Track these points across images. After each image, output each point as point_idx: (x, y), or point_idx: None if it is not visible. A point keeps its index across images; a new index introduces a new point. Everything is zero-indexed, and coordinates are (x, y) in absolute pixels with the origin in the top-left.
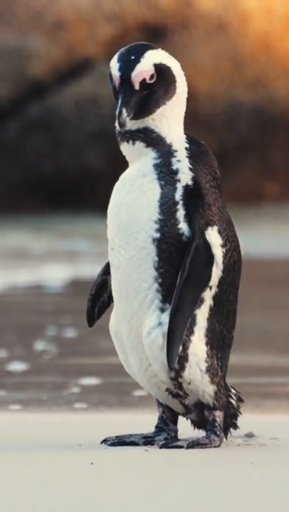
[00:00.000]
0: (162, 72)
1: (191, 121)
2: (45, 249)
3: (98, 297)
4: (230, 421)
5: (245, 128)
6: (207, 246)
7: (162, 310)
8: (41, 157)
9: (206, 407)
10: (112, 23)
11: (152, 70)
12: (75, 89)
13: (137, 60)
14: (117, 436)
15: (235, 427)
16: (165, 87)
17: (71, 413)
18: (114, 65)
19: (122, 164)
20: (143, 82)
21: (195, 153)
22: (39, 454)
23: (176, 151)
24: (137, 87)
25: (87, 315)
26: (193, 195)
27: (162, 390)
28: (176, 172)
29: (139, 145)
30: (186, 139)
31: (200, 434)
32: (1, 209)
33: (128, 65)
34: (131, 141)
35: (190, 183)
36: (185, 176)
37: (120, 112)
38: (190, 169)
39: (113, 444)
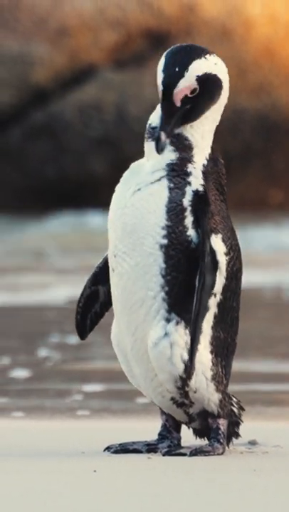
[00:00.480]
0: (206, 83)
1: None
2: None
3: (88, 309)
4: (233, 429)
5: (248, 134)
6: (212, 252)
7: (168, 320)
8: (44, 163)
9: (211, 415)
10: (116, 30)
11: (194, 85)
12: (79, 96)
13: (181, 75)
14: (120, 444)
15: (237, 435)
16: (209, 97)
17: (74, 420)
18: (159, 73)
19: (125, 170)
20: (185, 98)
21: (211, 167)
22: (42, 461)
23: (194, 161)
24: (178, 104)
25: (77, 328)
26: (202, 200)
27: (167, 399)
28: (188, 174)
29: (167, 148)
30: (210, 152)
31: (203, 441)
32: (5, 214)
33: (171, 80)
34: (168, 137)
35: (200, 189)
36: (196, 181)
37: (159, 137)
38: (202, 177)
39: (116, 452)
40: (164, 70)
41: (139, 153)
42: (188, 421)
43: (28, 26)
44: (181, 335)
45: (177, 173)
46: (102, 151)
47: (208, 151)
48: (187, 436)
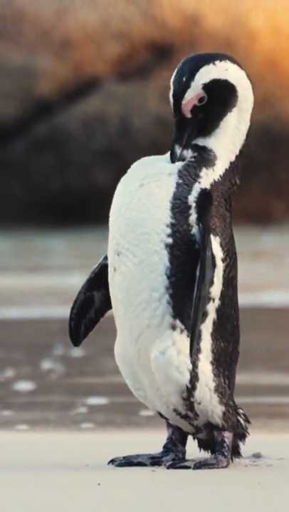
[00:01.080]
0: (214, 90)
1: None
2: (54, 266)
3: (83, 315)
4: (238, 441)
5: (252, 146)
6: (211, 249)
7: (173, 328)
8: (48, 175)
9: (215, 427)
10: (120, 42)
11: (202, 93)
12: (83, 108)
13: (187, 85)
14: (124, 457)
15: (239, 450)
16: (221, 103)
17: (78, 433)
18: (171, 85)
19: None
20: (194, 108)
21: (226, 178)
22: (46, 474)
23: (212, 168)
24: (188, 115)
25: (70, 334)
26: (206, 198)
27: (170, 410)
28: (199, 176)
29: (188, 153)
30: (232, 162)
31: (208, 455)
32: (9, 227)
33: (178, 92)
34: (184, 149)
35: (207, 187)
36: (205, 181)
37: (173, 151)
38: (212, 182)
39: (120, 465)
40: (173, 82)
41: None
42: (194, 432)
43: (32, 39)
44: (185, 342)
45: (189, 172)
46: (106, 163)
47: (232, 159)
48: (192, 449)
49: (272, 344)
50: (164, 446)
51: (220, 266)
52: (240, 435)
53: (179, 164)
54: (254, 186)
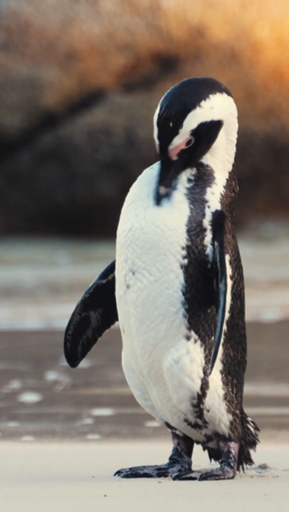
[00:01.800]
0: (201, 132)
1: None
2: (61, 279)
3: (79, 335)
4: (249, 448)
5: (257, 158)
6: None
7: (188, 338)
8: (54, 187)
9: (222, 437)
10: (125, 53)
11: (188, 138)
12: (88, 120)
13: (175, 132)
14: (130, 468)
15: (253, 452)
16: (207, 141)
17: (84, 444)
18: (155, 126)
19: None
20: (181, 151)
21: (227, 191)
22: (52, 485)
23: (215, 184)
24: (174, 158)
25: (66, 356)
26: (220, 216)
27: (181, 420)
28: (206, 201)
29: (187, 170)
30: (230, 173)
31: (214, 466)
32: (15, 239)
33: (165, 137)
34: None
35: (218, 208)
36: (214, 205)
37: (158, 191)
38: (220, 202)
39: (127, 476)
40: (158, 124)
41: None
42: (205, 441)
43: (37, 50)
44: (198, 352)
45: (197, 198)
46: (112, 175)
47: (229, 169)
48: (198, 460)
49: (278, 355)
50: (170, 458)
51: (229, 283)
52: (251, 442)
53: (185, 188)
54: (259, 197)
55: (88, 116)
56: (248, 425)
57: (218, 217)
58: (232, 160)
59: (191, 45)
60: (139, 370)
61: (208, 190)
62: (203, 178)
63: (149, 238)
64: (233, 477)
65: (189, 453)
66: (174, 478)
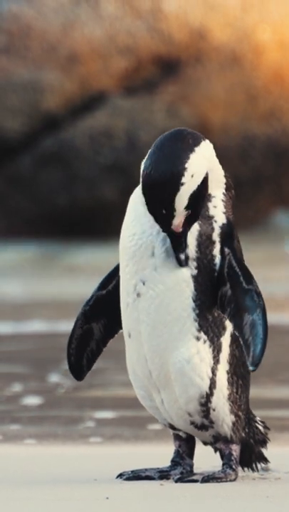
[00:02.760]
0: (194, 201)
1: None
2: (62, 281)
3: (83, 348)
4: (260, 447)
5: (259, 160)
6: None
7: (198, 338)
8: (55, 190)
9: (223, 439)
10: (126, 56)
11: (184, 212)
12: (89, 123)
13: (170, 216)
14: (132, 471)
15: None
16: (203, 199)
17: (86, 447)
18: (146, 204)
19: None
20: (183, 224)
21: (227, 199)
22: (54, 488)
23: (213, 197)
24: (180, 230)
25: (71, 370)
26: (228, 228)
27: (188, 422)
28: (212, 217)
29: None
30: (225, 184)
31: (215, 468)
32: (17, 242)
33: (165, 223)
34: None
35: (224, 221)
36: (220, 219)
37: (180, 261)
38: (223, 213)
39: (129, 479)
40: (151, 213)
41: None
42: (213, 441)
43: (39, 53)
44: (206, 352)
45: (202, 216)
46: (113, 178)
47: (223, 180)
48: (199, 462)
49: (280, 357)
50: (172, 460)
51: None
52: (261, 441)
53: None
54: (260, 200)
55: (90, 119)
56: (257, 424)
57: (226, 228)
58: (222, 172)
59: (193, 47)
60: (146, 374)
61: (210, 205)
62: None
63: (159, 249)
64: (235, 479)
65: (191, 455)
66: (176, 481)
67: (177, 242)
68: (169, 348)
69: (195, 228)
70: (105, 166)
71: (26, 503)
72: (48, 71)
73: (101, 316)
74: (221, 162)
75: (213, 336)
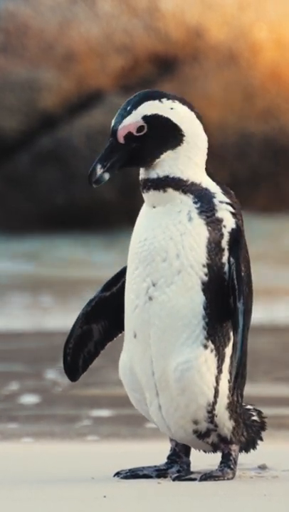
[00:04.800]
0: (154, 124)
1: None
2: (59, 281)
3: (80, 349)
4: (256, 437)
5: (256, 159)
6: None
7: (205, 346)
8: (53, 189)
9: (223, 439)
10: (123, 55)
11: (140, 122)
12: (86, 121)
13: (128, 113)
14: (130, 469)
15: (260, 439)
16: (161, 138)
17: (83, 445)
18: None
19: (134, 197)
20: (129, 136)
21: (231, 199)
22: (51, 487)
23: (214, 196)
24: (122, 141)
25: (66, 370)
26: (236, 234)
27: (189, 431)
28: (221, 220)
29: (171, 192)
30: (218, 184)
31: (212, 467)
32: (14, 241)
33: (118, 119)
34: (162, 189)
35: (234, 226)
36: (229, 223)
37: (93, 169)
38: (232, 214)
39: (126, 477)
40: (118, 112)
41: None
42: (213, 449)
43: (35, 52)
44: (213, 362)
45: (211, 220)
46: (111, 177)
47: (211, 181)
48: (196, 460)
49: (277, 355)
50: (168, 458)
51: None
52: (256, 432)
53: (196, 209)
54: (258, 199)
55: (87, 117)
56: (252, 417)
57: (234, 234)
58: (202, 172)
59: (189, 46)
60: (148, 373)
61: (215, 201)
62: (201, 193)
63: (170, 253)
64: (232, 478)
65: (187, 453)
66: (174, 479)
67: (109, 153)
68: (174, 352)
69: (204, 235)
70: None
71: (23, 502)
72: (44, 70)
73: (102, 317)
74: (218, 160)
75: (220, 345)
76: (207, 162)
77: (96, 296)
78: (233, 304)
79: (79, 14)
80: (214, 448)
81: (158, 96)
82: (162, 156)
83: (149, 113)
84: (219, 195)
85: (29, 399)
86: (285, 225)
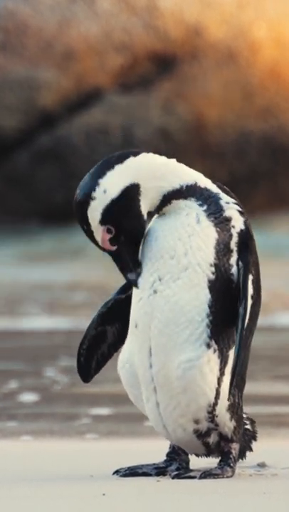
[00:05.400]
0: (111, 217)
1: (201, 151)
2: (60, 279)
3: (94, 350)
4: (246, 447)
5: (255, 157)
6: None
7: (208, 346)
8: (52, 187)
9: (224, 438)
10: (122, 53)
11: (104, 228)
12: (85, 120)
13: (90, 231)
14: (129, 467)
15: (250, 450)
16: (126, 215)
17: (82, 443)
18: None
19: None
20: (111, 240)
21: (235, 198)
22: (50, 485)
23: (220, 197)
24: (113, 248)
25: (79, 371)
26: (246, 237)
27: (188, 431)
28: (230, 219)
29: (175, 201)
30: (213, 182)
31: (211, 465)
32: (13, 239)
33: (91, 239)
34: (180, 200)
35: (243, 227)
36: (238, 223)
37: (128, 279)
38: (240, 213)
39: (125, 475)
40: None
41: None
42: (207, 453)
43: (35, 51)
44: (215, 363)
45: (219, 220)
46: None
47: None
48: (194, 459)
49: (277, 353)
50: (167, 455)
51: (249, 302)
52: (248, 440)
53: (203, 211)
54: (257, 197)
55: (86, 116)
56: (245, 426)
57: (243, 237)
58: (174, 180)
59: (188, 44)
60: (146, 366)
61: (222, 202)
62: (203, 194)
63: (178, 250)
64: (232, 476)
65: (186, 451)
66: (174, 477)
67: (119, 261)
68: (176, 348)
69: (213, 236)
70: None
71: (23, 500)
72: (44, 68)
73: (117, 320)
74: (217, 158)
75: (223, 347)
76: (204, 159)
77: (112, 298)
78: (238, 307)
79: (78, 13)
80: (208, 451)
81: (87, 195)
82: (143, 209)
83: (99, 217)
84: (224, 196)
85: (28, 397)
86: (284, 222)
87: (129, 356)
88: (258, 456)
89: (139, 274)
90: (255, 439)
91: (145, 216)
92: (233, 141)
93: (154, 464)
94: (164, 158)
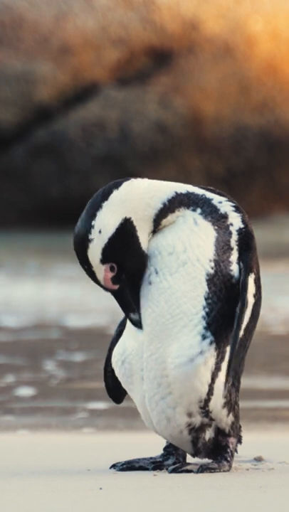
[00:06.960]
0: (111, 254)
1: (198, 146)
2: (55, 274)
3: None
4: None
5: (252, 151)
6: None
7: (204, 337)
8: (48, 182)
9: (221, 432)
10: (118, 47)
11: (106, 267)
12: (82, 114)
13: (92, 272)
14: (126, 461)
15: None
16: (126, 250)
17: (79, 438)
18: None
19: None
20: (114, 279)
21: (222, 194)
22: (47, 479)
23: (207, 197)
24: (116, 286)
25: (110, 394)
26: (246, 237)
27: (179, 425)
28: (226, 216)
29: (170, 215)
30: (201, 187)
31: (209, 459)
32: (10, 234)
33: (94, 280)
34: (170, 215)
35: (242, 225)
36: (236, 221)
37: (132, 320)
38: (235, 209)
39: (122, 469)
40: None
41: (144, 171)
42: (194, 453)
43: (31, 45)
44: (212, 355)
45: (216, 219)
46: (106, 169)
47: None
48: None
49: (273, 348)
50: (164, 449)
51: (251, 302)
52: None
53: (199, 215)
54: (254, 191)
55: (82, 110)
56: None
57: (244, 236)
58: (160, 196)
59: (185, 39)
60: (138, 352)
61: (214, 202)
62: (191, 199)
63: (177, 248)
64: (228, 470)
65: None
66: (171, 472)
67: (121, 301)
68: (171, 337)
69: (212, 235)
70: (98, 157)
71: (20, 494)
72: (40, 62)
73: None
74: (213, 153)
75: (220, 340)
76: (201, 153)
77: (125, 317)
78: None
79: (74, 7)
80: (196, 451)
81: (84, 238)
82: (142, 242)
83: (100, 257)
84: (213, 196)
85: (25, 391)
86: (280, 217)
87: (121, 343)
88: (255, 450)
89: (140, 320)
90: (240, 442)
91: (146, 250)
92: (230, 136)
93: (151, 458)
94: (144, 182)
